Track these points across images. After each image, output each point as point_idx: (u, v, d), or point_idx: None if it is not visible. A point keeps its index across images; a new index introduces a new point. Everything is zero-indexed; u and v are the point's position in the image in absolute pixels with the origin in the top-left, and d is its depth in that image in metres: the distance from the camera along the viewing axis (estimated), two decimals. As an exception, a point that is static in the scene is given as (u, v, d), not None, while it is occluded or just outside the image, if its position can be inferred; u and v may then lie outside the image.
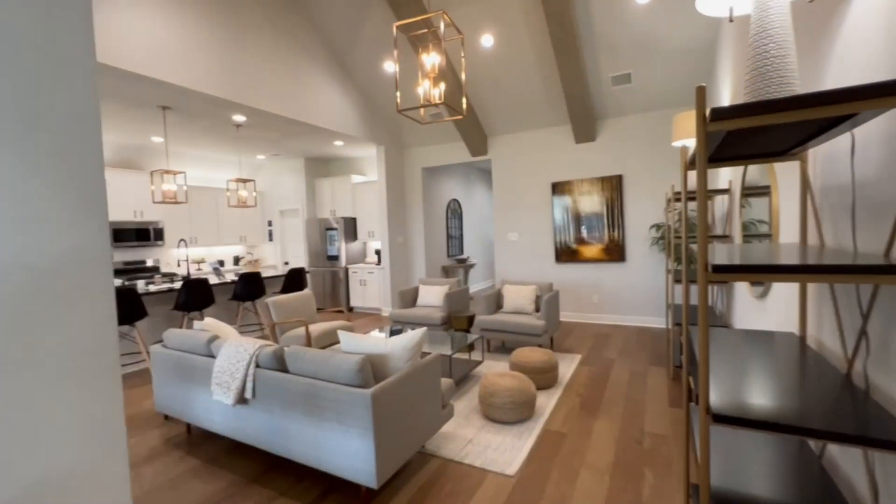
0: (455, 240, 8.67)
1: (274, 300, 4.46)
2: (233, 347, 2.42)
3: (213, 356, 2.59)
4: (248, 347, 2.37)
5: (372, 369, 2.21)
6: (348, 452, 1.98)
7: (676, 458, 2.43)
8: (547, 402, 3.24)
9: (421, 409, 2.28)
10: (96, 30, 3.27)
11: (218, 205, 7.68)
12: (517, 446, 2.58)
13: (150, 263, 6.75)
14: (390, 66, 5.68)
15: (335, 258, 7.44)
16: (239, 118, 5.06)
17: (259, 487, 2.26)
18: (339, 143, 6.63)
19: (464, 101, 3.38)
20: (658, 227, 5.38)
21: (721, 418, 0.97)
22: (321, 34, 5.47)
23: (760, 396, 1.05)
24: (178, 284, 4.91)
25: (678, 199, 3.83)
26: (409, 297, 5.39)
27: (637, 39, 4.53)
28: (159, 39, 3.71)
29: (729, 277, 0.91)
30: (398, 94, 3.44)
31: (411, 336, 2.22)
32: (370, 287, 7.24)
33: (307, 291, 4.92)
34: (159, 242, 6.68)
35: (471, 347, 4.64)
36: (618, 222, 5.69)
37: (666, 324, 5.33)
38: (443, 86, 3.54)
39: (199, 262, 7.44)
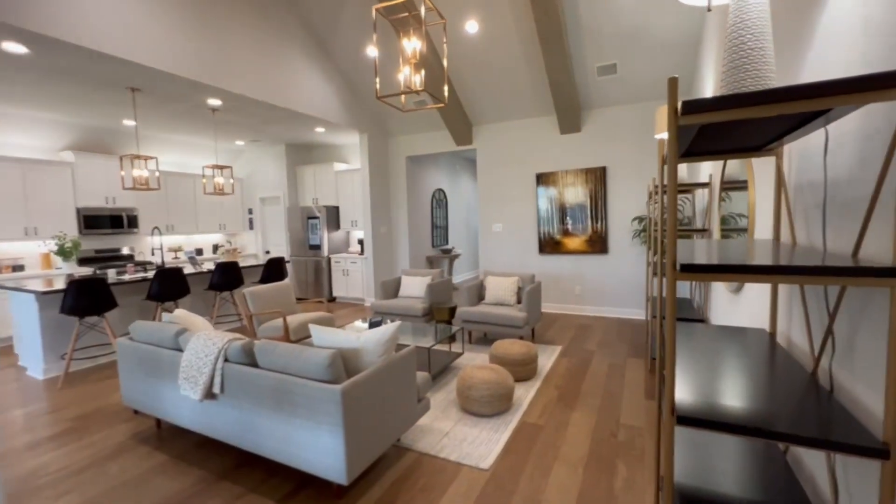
0: (440, 230, 8.61)
1: (251, 290, 4.36)
2: (201, 341, 2.35)
3: (180, 350, 2.50)
4: (217, 341, 2.30)
5: (345, 364, 2.16)
6: (318, 448, 1.94)
7: (650, 450, 2.45)
8: (525, 394, 3.24)
9: (394, 404, 2.25)
10: (57, 5, 3.08)
11: (195, 192, 7.46)
12: (493, 439, 2.58)
13: (125, 251, 6.54)
14: (372, 51, 5.53)
15: (317, 247, 7.32)
16: (214, 102, 4.87)
17: (228, 484, 2.21)
18: (320, 129, 6.47)
19: (445, 88, 3.29)
20: (640, 219, 5.41)
21: (685, 420, 0.95)
22: (301, 16, 5.28)
23: (727, 396, 1.03)
24: (151, 273, 4.76)
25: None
26: (392, 288, 5.34)
27: (623, 30, 4.47)
28: (127, 17, 3.51)
29: (695, 277, 0.88)
30: (377, 80, 3.33)
31: (384, 330, 2.17)
32: (353, 277, 7.15)
33: (286, 282, 4.83)
34: (134, 230, 6.46)
35: (452, 339, 4.63)
36: (601, 214, 5.70)
37: (645, 316, 5.39)
38: (424, 72, 3.45)
39: (175, 251, 7.24)
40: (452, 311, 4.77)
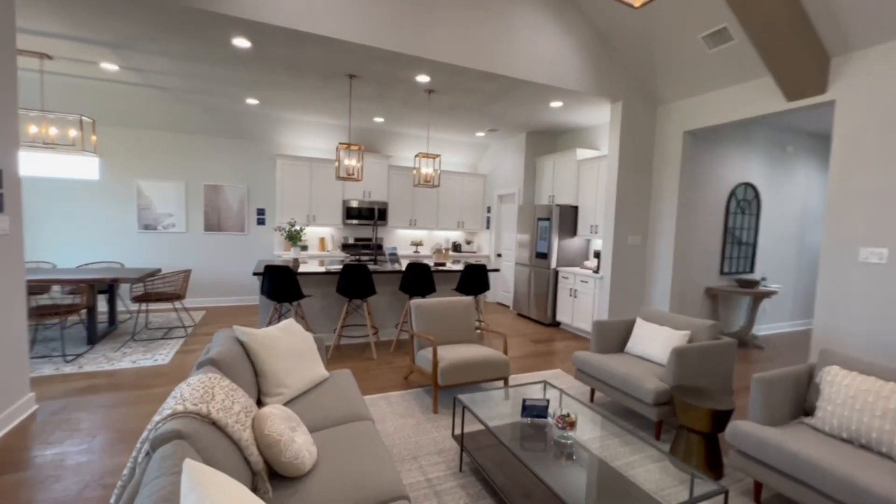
0: (743, 248, 5.46)
1: (417, 304, 3.45)
2: (174, 393, 1.43)
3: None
4: (165, 409, 1.32)
5: None
6: None
7: None
8: None
9: None
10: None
11: (440, 188, 7.40)
12: None
13: (382, 240, 7.17)
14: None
15: (545, 256, 5.87)
16: (423, 79, 4.22)
17: None
18: (556, 104, 4.95)
19: None
20: None
21: None
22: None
23: None
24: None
25: None
26: (615, 336, 3.31)
27: None
28: (311, -18, 3.17)
29: None
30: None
31: None
32: (582, 300, 5.31)
33: (467, 298, 3.68)
34: (382, 222, 6.93)
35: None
36: None
37: None
38: None
39: (417, 245, 7.43)
40: (721, 419, 2.32)
